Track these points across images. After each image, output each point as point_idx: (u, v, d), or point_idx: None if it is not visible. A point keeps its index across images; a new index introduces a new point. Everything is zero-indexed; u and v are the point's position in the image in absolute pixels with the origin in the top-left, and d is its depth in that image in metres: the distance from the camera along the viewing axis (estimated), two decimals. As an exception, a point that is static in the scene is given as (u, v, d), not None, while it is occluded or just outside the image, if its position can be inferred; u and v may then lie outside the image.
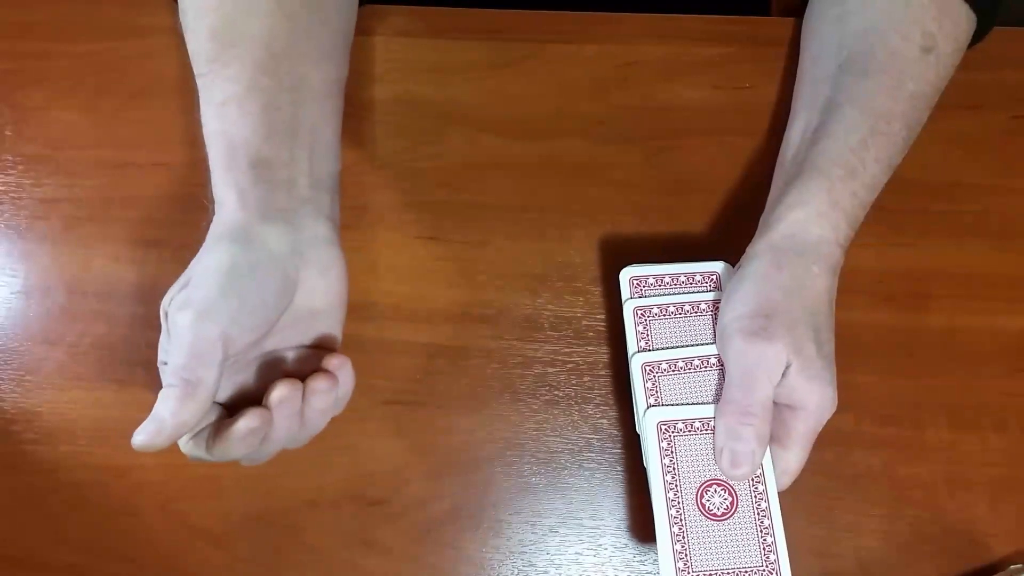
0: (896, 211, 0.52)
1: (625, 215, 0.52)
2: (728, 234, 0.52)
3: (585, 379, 0.50)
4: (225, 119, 0.43)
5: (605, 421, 0.49)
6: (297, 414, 0.40)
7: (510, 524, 0.48)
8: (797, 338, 0.41)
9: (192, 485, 0.48)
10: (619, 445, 0.49)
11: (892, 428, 0.49)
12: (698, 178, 0.52)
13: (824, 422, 0.42)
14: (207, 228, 0.41)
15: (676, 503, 0.42)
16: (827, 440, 0.47)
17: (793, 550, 0.47)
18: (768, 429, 0.41)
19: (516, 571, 0.47)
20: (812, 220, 0.43)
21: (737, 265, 0.45)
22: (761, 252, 0.44)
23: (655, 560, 0.47)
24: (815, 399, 0.41)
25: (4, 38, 0.55)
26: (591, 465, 0.49)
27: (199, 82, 0.44)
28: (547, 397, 0.49)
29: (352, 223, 0.51)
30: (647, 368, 0.44)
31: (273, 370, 0.43)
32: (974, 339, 0.50)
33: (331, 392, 0.40)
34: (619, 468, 0.48)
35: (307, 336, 0.43)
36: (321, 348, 0.44)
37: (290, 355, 0.43)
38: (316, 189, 0.44)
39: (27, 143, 0.53)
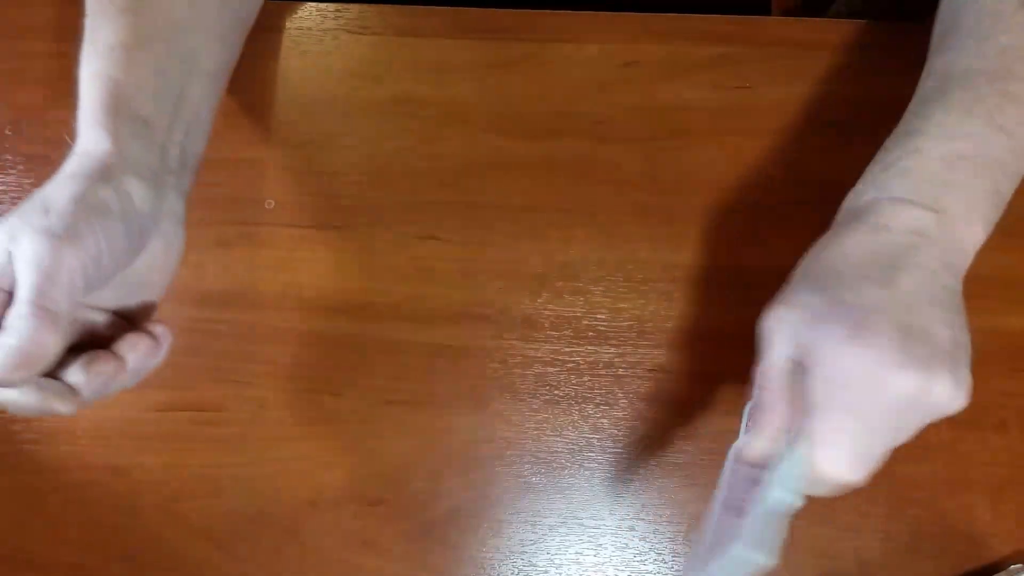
0: None
1: (626, 215, 0.52)
2: (729, 234, 0.51)
3: (585, 379, 0.50)
4: (114, 64, 0.41)
5: (605, 421, 0.49)
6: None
7: (510, 524, 0.48)
8: None
9: (192, 485, 0.48)
10: (619, 445, 0.49)
11: None
12: (699, 178, 0.52)
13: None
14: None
15: None
16: None
17: (793, 550, 0.47)
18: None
19: (516, 571, 0.47)
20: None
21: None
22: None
23: (655, 560, 0.47)
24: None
25: (4, 38, 0.54)
26: (591, 465, 0.49)
27: (88, 21, 0.43)
28: (547, 397, 0.49)
29: (351, 223, 0.52)
30: None
31: (80, 326, 0.40)
32: (974, 339, 0.49)
33: (151, 354, 0.39)
34: (619, 468, 0.48)
35: (123, 303, 0.42)
36: (126, 320, 0.42)
37: (100, 317, 0.41)
38: (183, 166, 0.43)
39: (27, 143, 0.53)
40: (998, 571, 0.47)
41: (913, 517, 0.47)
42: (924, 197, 0.39)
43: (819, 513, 0.47)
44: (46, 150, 0.53)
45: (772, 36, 0.55)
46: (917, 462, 0.48)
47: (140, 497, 0.48)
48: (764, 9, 0.64)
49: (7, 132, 0.53)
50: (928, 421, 0.36)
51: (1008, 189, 0.41)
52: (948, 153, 0.40)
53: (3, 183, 0.52)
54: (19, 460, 0.48)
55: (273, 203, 0.52)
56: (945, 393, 0.35)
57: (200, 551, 0.47)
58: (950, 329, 0.37)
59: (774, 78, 0.54)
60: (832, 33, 0.55)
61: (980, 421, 0.48)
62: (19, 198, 0.52)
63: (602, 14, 0.55)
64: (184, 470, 0.48)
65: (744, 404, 0.41)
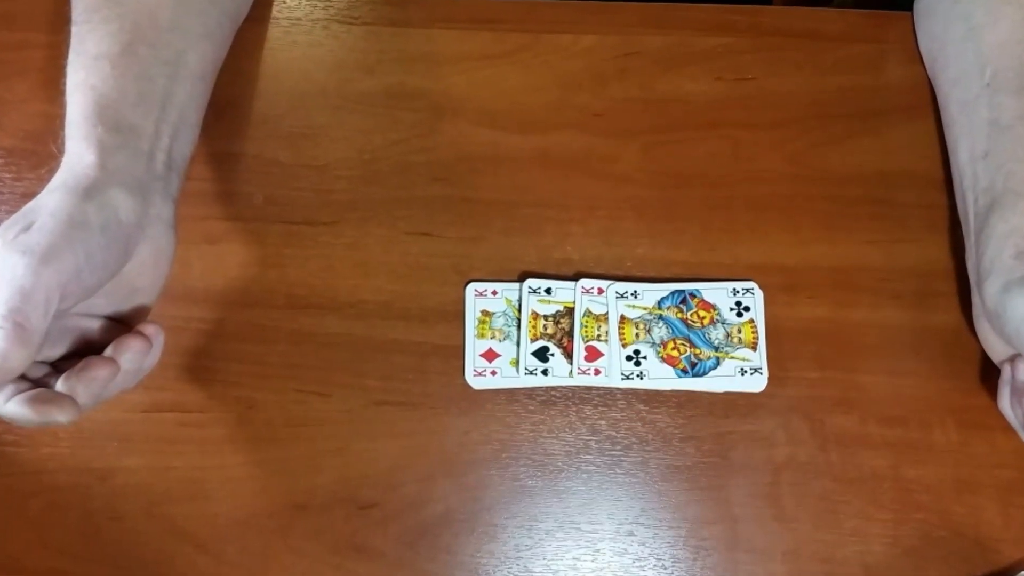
0: (902, 206, 0.51)
1: (624, 210, 0.51)
2: (730, 230, 0.51)
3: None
4: (97, 73, 0.43)
5: (603, 422, 0.48)
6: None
7: (505, 528, 0.47)
8: None
9: (178, 488, 0.47)
10: (618, 447, 0.48)
11: (898, 429, 0.48)
12: (699, 172, 0.52)
13: None
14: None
15: None
16: (832, 442, 0.48)
17: (796, 556, 0.46)
18: None
19: (511, 577, 0.47)
20: None
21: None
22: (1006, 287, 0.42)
23: (655, 566, 0.47)
24: None
25: (-16, 28, 0.54)
26: (589, 468, 0.48)
27: (74, 29, 0.44)
28: (543, 398, 0.49)
29: (342, 218, 0.51)
30: None
31: (75, 335, 0.42)
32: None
33: (143, 353, 0.40)
34: (617, 471, 0.48)
35: (116, 308, 0.43)
36: (122, 324, 0.44)
37: (95, 324, 0.43)
38: (169, 169, 0.44)
39: (7, 136, 0.52)
40: (1007, 576, 0.46)
41: (920, 521, 0.47)
42: None
43: (823, 517, 0.47)
44: (26, 143, 0.52)
45: (774, 26, 0.54)
46: (924, 465, 0.47)
47: (124, 501, 0.47)
48: (766, -1, 0.63)
49: (-13, 125, 0.52)
50: None
51: None
52: None
53: (-17, 177, 0.51)
54: (0, 463, 0.47)
55: (261, 198, 0.51)
56: None
57: (186, 556, 0.46)
58: None
59: (776, 69, 0.53)
60: (836, 23, 0.54)
61: (988, 422, 0.47)
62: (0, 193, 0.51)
63: (600, 3, 0.55)
64: (169, 473, 0.47)
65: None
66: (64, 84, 0.44)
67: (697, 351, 0.48)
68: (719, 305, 0.49)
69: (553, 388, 0.49)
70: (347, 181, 0.51)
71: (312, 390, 0.48)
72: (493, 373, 0.48)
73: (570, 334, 0.48)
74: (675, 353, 0.48)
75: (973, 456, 0.47)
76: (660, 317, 0.49)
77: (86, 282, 0.38)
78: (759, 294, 0.49)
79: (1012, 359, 0.44)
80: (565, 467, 0.48)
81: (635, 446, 0.48)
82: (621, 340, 0.48)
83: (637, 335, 0.48)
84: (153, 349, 0.41)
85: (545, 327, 0.49)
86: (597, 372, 0.48)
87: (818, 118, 0.52)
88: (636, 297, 0.49)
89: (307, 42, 0.54)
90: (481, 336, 0.49)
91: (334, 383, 0.48)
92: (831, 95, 0.53)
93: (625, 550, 0.47)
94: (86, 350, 0.41)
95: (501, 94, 0.53)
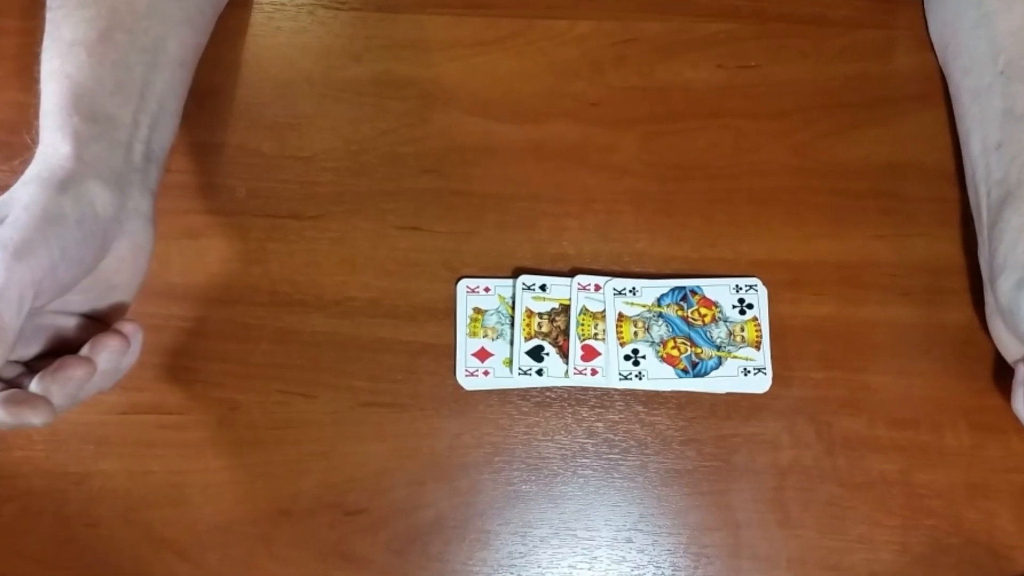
0: (911, 199, 0.50)
1: (622, 203, 0.50)
2: (732, 225, 0.50)
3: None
4: (72, 61, 0.42)
5: (600, 424, 0.47)
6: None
7: (498, 535, 0.46)
8: None
9: (156, 493, 0.46)
10: (615, 450, 0.47)
11: (908, 432, 0.47)
12: (700, 164, 0.51)
13: None
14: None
15: None
16: (839, 445, 0.47)
17: (802, 563, 0.46)
18: None
19: (504, 586, 0.46)
20: None
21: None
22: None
23: (654, 574, 0.46)
24: None
25: (-46, 14, 0.53)
26: (585, 472, 0.47)
27: (48, 15, 0.44)
28: (538, 399, 0.48)
29: (328, 212, 0.50)
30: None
31: (50, 333, 0.41)
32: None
33: (121, 353, 0.39)
34: (615, 475, 0.47)
35: (93, 306, 0.43)
36: (99, 322, 0.43)
37: (70, 322, 0.42)
38: (148, 160, 0.43)
39: (-20, 127, 0.51)
40: (1021, 585, 0.45)
41: (930, 528, 0.46)
42: None
43: (829, 524, 0.46)
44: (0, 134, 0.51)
45: (778, 11, 0.54)
46: (935, 468, 0.46)
47: (101, 506, 0.46)
48: (769, -14, 0.63)
49: (-42, 115, 0.51)
50: None
51: None
52: None
53: (-46, 169, 0.51)
54: (-29, 467, 0.47)
55: (244, 191, 0.50)
56: None
57: (165, 563, 0.46)
58: None
59: (781, 56, 0.53)
60: (842, 8, 0.54)
61: (1002, 424, 0.46)
62: (-30, 185, 0.50)
63: (597, -12, 0.54)
64: (148, 477, 0.46)
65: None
66: (38, 72, 0.43)
67: (698, 350, 0.47)
68: (721, 302, 0.48)
69: (548, 389, 0.48)
70: (333, 173, 0.51)
71: (297, 391, 0.48)
72: (485, 373, 0.47)
73: (566, 332, 0.47)
74: (675, 352, 0.47)
75: (986, 460, 0.46)
76: (660, 315, 0.48)
77: (61, 278, 0.38)
78: (763, 291, 0.48)
79: None
80: (561, 471, 0.47)
81: (633, 449, 0.47)
82: (619, 339, 0.47)
83: (636, 333, 0.47)
84: (131, 348, 0.40)
85: (540, 325, 0.48)
86: (594, 372, 0.47)
87: (824, 108, 0.52)
88: (635, 294, 0.48)
89: (292, 28, 0.53)
90: (473, 335, 0.48)
91: (320, 383, 0.48)
92: (837, 84, 0.52)
93: (623, 558, 0.46)
94: (62, 349, 0.41)
95: (494, 82, 0.52)
